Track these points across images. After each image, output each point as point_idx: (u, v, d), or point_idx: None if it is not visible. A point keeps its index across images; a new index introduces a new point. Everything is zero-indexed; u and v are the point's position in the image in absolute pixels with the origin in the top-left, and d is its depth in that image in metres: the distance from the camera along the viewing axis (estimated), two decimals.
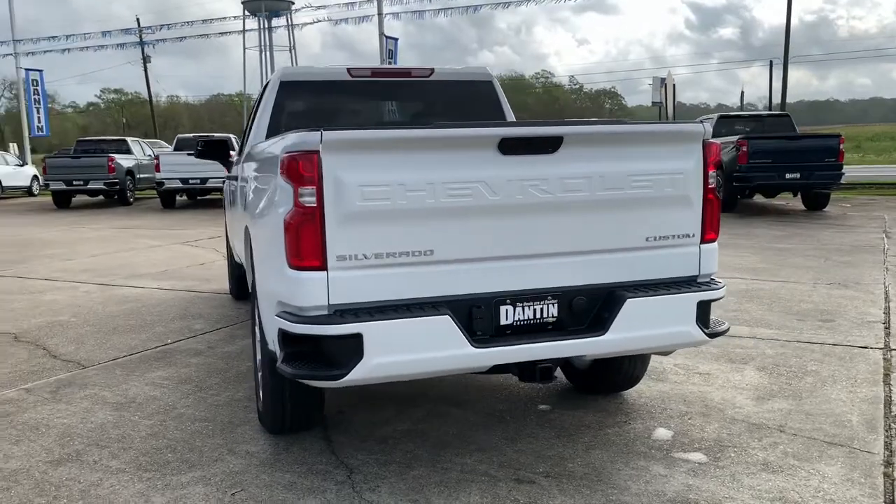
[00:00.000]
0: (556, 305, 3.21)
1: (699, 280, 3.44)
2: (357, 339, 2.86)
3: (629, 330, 3.20)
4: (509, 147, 3.03)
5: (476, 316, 3.09)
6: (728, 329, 3.51)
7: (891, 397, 4.26)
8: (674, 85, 29.28)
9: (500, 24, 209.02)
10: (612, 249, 3.27)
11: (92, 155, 21.48)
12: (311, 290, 2.92)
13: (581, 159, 3.13)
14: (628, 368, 4.15)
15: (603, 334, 3.17)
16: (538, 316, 3.19)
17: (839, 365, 4.86)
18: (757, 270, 8.40)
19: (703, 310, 3.33)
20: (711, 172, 3.39)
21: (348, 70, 5.05)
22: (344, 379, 2.88)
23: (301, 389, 3.55)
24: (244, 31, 51.93)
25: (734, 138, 14.40)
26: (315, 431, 3.90)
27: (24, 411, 4.33)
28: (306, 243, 2.89)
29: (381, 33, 26.49)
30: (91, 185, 20.98)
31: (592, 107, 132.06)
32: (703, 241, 3.42)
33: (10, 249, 12.12)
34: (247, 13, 52.10)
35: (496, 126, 3.09)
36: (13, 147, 36.89)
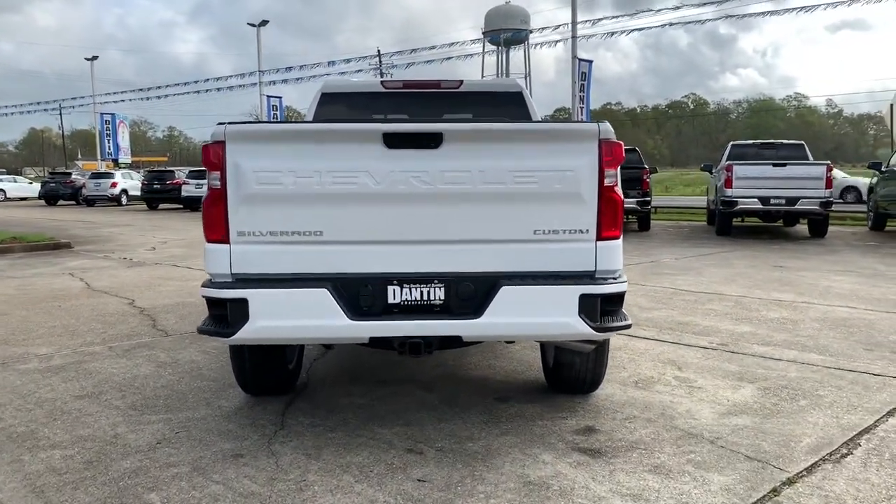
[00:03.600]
0: (442, 289, 3.45)
1: (597, 276, 3.48)
2: (243, 303, 3.35)
3: (503, 315, 3.36)
4: (393, 141, 3.36)
5: (363, 293, 3.44)
6: (628, 326, 3.49)
7: (875, 428, 3.88)
8: None
9: (744, 46, 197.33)
10: (499, 240, 3.45)
11: None
12: (218, 259, 3.46)
13: (462, 155, 3.37)
14: (581, 367, 4.19)
15: (478, 318, 3.36)
16: (425, 298, 3.46)
17: (855, 393, 4.45)
18: (862, 299, 7.60)
19: (589, 303, 3.37)
20: (611, 171, 3.43)
21: (382, 83, 5.56)
22: (233, 337, 3.38)
23: (258, 355, 4.11)
24: (483, 57, 55.05)
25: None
26: (286, 396, 4.42)
27: (94, 361, 5.33)
28: (214, 220, 3.44)
29: (574, 56, 26.77)
30: None
31: (853, 132, 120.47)
32: (601, 237, 3.46)
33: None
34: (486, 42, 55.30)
35: (379, 123, 3.42)
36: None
